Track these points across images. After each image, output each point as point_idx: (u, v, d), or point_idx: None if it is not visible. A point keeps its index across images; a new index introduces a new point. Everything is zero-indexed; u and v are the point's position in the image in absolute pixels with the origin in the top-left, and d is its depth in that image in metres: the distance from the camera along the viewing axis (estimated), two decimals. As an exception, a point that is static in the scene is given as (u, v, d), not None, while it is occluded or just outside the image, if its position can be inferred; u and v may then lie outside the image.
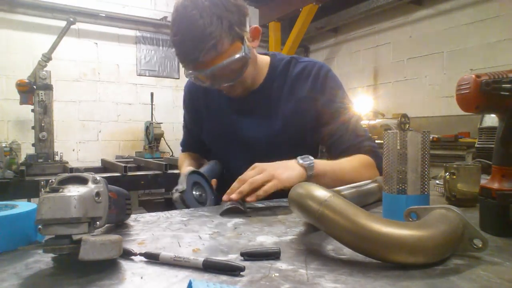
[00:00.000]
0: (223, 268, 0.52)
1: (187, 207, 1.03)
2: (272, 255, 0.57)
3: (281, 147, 1.25)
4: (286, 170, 0.98)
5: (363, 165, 1.16)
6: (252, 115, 1.27)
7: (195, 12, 1.00)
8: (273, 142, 1.25)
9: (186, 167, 1.29)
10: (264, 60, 1.29)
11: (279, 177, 0.95)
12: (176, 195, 1.05)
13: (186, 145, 1.56)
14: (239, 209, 0.91)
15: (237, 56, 1.06)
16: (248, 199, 0.92)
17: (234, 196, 0.91)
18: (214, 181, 1.19)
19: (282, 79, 1.27)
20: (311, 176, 1.01)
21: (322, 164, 1.05)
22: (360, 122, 1.30)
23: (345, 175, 1.08)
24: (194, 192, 1.09)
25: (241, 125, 1.29)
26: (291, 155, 1.05)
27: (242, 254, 0.58)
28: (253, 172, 0.97)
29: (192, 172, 1.12)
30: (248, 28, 1.11)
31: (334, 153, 1.25)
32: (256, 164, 1.00)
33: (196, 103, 1.40)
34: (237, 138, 1.30)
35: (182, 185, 1.05)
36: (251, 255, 0.57)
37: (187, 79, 1.21)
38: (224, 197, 0.95)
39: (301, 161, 1.01)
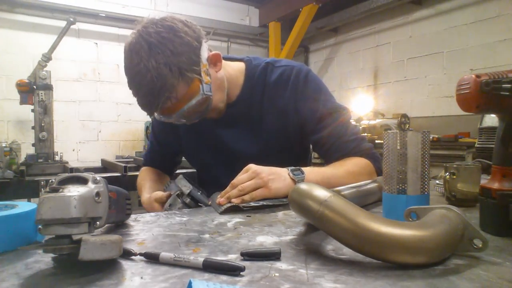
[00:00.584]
0: (223, 268, 0.52)
1: (196, 204, 1.03)
2: (273, 255, 0.57)
3: (268, 158, 1.21)
4: (278, 179, 0.97)
5: (359, 169, 1.12)
6: (235, 128, 1.24)
7: (141, 66, 0.95)
8: (259, 154, 1.22)
9: (149, 186, 1.27)
10: (237, 68, 1.23)
11: (269, 187, 0.94)
12: (180, 200, 1.04)
13: (150, 160, 1.50)
14: (238, 208, 0.93)
15: (195, 99, 1.02)
16: (234, 200, 0.93)
17: (222, 200, 0.93)
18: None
19: (260, 88, 1.21)
20: None
21: (313, 175, 1.02)
22: (350, 122, 1.24)
23: (340, 183, 1.02)
24: (198, 192, 1.08)
25: (225, 139, 1.25)
26: (280, 164, 1.03)
27: (242, 254, 0.58)
28: (246, 177, 0.96)
29: (182, 177, 1.10)
30: (205, 59, 1.05)
31: (331, 159, 1.21)
32: (251, 166, 0.98)
33: (170, 124, 1.29)
34: (222, 152, 1.27)
35: (184, 186, 1.05)
36: (251, 255, 0.57)
37: None
38: (217, 201, 0.96)
39: (292, 175, 0.99)
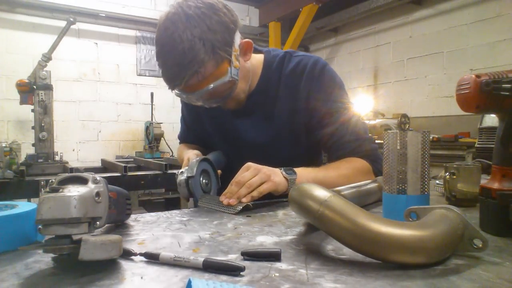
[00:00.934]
0: (223, 268, 0.52)
1: (190, 193, 1.03)
2: (273, 255, 0.57)
3: (281, 148, 1.23)
4: (277, 175, 0.98)
5: (353, 172, 1.11)
6: (250, 117, 1.25)
7: (176, 36, 0.95)
8: (272, 143, 1.24)
9: (190, 152, 1.25)
10: (258, 59, 1.25)
11: (273, 180, 0.96)
12: (181, 178, 1.03)
13: (185, 138, 1.52)
14: (248, 206, 0.93)
15: (222, 81, 1.02)
16: (243, 200, 0.93)
17: (232, 201, 0.93)
18: (219, 172, 1.18)
19: (277, 76, 1.22)
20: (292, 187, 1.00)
21: (304, 177, 1.02)
22: (359, 122, 1.23)
23: (331, 184, 0.99)
24: (201, 180, 1.07)
25: (240, 128, 1.27)
26: (292, 155, 1.03)
27: (242, 254, 0.58)
28: (249, 174, 0.96)
29: (203, 160, 1.10)
30: (237, 44, 1.06)
31: (332, 157, 1.22)
32: (250, 164, 0.99)
33: (196, 107, 1.33)
34: (238, 141, 1.29)
35: (191, 170, 1.03)
36: (252, 255, 0.57)
37: None
38: (222, 199, 0.96)
39: (284, 174, 0.99)
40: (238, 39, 1.07)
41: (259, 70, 1.23)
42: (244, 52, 1.11)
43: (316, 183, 0.98)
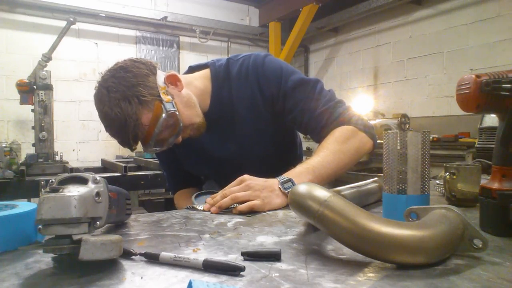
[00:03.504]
0: (223, 268, 0.52)
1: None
2: (273, 256, 0.57)
3: (251, 154, 1.23)
4: (271, 195, 0.96)
5: (341, 141, 1.11)
6: (214, 133, 1.25)
7: (106, 110, 1.03)
8: (241, 152, 1.24)
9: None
10: (204, 76, 1.26)
11: (263, 200, 0.93)
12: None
13: (175, 185, 1.51)
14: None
15: (162, 119, 1.05)
16: (233, 211, 0.92)
17: (213, 209, 0.93)
18: None
19: (227, 86, 1.24)
20: None
21: (304, 177, 1.01)
22: (320, 92, 1.21)
23: (332, 165, 1.06)
24: None
25: (206, 145, 1.28)
26: (266, 155, 1.02)
27: (242, 254, 0.58)
28: (238, 188, 0.96)
29: (198, 194, 1.10)
30: (161, 82, 1.10)
31: (313, 134, 1.21)
32: (245, 177, 0.98)
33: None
34: (208, 158, 1.30)
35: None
36: (252, 255, 0.57)
37: None
38: (205, 207, 0.95)
39: (283, 188, 0.97)
40: (161, 77, 1.11)
41: (209, 87, 1.25)
42: (173, 83, 1.13)
43: (317, 176, 1.02)
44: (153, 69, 1.10)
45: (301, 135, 1.47)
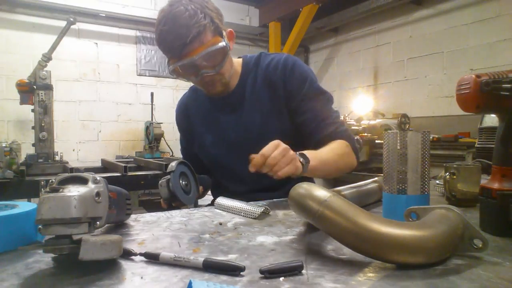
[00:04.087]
0: (223, 268, 0.52)
1: (170, 193, 1.06)
2: (295, 269, 0.52)
3: (261, 146, 1.25)
4: (297, 159, 1.02)
5: (342, 151, 1.24)
6: (234, 113, 1.34)
7: (181, 8, 1.12)
8: (257, 137, 1.27)
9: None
10: (237, 62, 1.38)
11: (295, 164, 1.00)
12: (162, 180, 1.09)
13: (185, 158, 1.56)
14: (266, 210, 0.92)
15: (219, 45, 1.15)
16: (275, 176, 0.97)
17: (262, 169, 0.96)
18: (200, 188, 1.25)
19: (254, 72, 1.35)
20: (302, 173, 1.05)
21: (313, 160, 1.08)
22: (332, 107, 1.35)
23: (332, 164, 1.18)
24: (180, 181, 1.11)
25: (225, 125, 1.35)
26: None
27: (262, 272, 0.51)
28: (277, 153, 0.98)
29: (181, 163, 1.15)
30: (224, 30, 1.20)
31: (313, 139, 1.28)
32: (279, 142, 1.01)
33: (187, 120, 1.48)
34: (223, 138, 1.36)
35: (171, 170, 1.09)
36: (273, 272, 0.51)
37: (177, 101, 1.44)
38: (250, 168, 0.97)
39: (301, 159, 1.04)
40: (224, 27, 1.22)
41: (239, 70, 1.36)
42: (230, 38, 1.24)
43: (323, 165, 1.12)
44: (221, 17, 1.23)
45: None
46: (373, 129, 4.09)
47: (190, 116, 1.47)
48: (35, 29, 4.50)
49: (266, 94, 1.31)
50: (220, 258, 0.57)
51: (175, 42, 1.14)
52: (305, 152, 1.08)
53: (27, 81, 3.47)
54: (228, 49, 1.20)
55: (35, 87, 3.47)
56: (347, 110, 5.00)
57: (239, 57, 1.42)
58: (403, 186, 0.72)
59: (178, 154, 3.13)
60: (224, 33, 1.20)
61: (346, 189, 0.89)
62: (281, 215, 0.89)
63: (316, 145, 1.24)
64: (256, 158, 0.97)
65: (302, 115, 1.29)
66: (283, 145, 1.01)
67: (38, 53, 3.77)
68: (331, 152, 1.20)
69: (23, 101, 3.51)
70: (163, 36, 1.15)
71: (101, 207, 0.57)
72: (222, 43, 1.16)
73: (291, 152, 1.01)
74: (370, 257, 0.55)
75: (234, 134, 1.34)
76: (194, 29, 1.11)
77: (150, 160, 3.64)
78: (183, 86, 5.01)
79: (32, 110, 3.55)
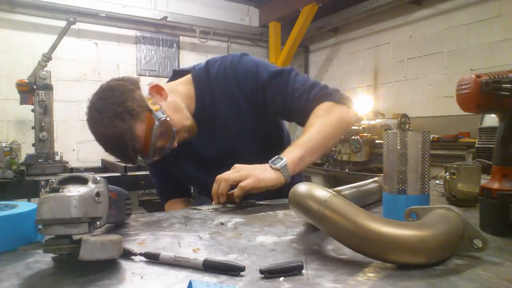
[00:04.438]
0: (223, 268, 0.52)
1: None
2: (295, 269, 0.52)
3: (241, 151, 1.26)
4: (263, 171, 1.01)
5: (326, 113, 1.15)
6: (202, 131, 1.27)
7: (101, 129, 1.08)
8: (230, 151, 1.26)
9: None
10: (187, 82, 1.30)
11: (256, 176, 0.98)
12: None
13: (166, 194, 1.54)
14: (238, 204, 0.97)
15: (156, 129, 1.09)
16: (231, 198, 0.98)
17: (221, 199, 1.00)
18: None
19: (207, 86, 1.28)
20: (290, 175, 1.02)
21: (294, 153, 1.06)
22: (295, 78, 1.24)
23: (320, 140, 1.11)
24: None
25: (196, 147, 1.31)
26: (257, 153, 1.10)
27: (262, 272, 0.51)
28: (230, 171, 1.01)
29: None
30: (147, 93, 1.14)
31: (297, 119, 1.24)
32: (236, 165, 1.04)
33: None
34: (196, 159, 1.33)
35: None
36: (273, 272, 0.51)
37: None
38: (214, 202, 1.02)
39: (273, 165, 1.02)
40: (145, 89, 1.15)
41: (192, 91, 1.29)
42: (158, 93, 1.17)
43: (308, 150, 1.08)
44: (136, 83, 1.14)
45: (287, 127, 1.48)
46: (373, 129, 4.09)
47: None
48: (35, 29, 4.50)
49: (226, 105, 1.25)
50: (220, 258, 0.57)
51: (128, 161, 1.16)
52: (288, 149, 1.08)
53: (27, 81, 3.48)
54: (165, 117, 1.11)
55: (35, 87, 3.47)
56: (347, 110, 4.99)
57: (187, 71, 1.33)
58: (403, 186, 0.72)
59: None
60: (149, 102, 1.11)
61: (346, 189, 0.89)
62: (281, 215, 0.89)
63: (303, 124, 1.19)
64: (213, 189, 1.01)
65: (272, 104, 1.23)
66: (239, 166, 1.02)
67: (38, 53, 3.77)
68: (314, 127, 1.13)
69: (23, 101, 3.51)
70: (113, 156, 1.16)
71: (101, 207, 0.57)
72: (156, 124, 1.09)
73: (249, 167, 1.01)
74: (370, 257, 0.55)
75: (206, 152, 1.31)
76: (127, 143, 1.06)
77: (150, 160, 3.63)
78: (183, 86, 5.00)
79: (32, 110, 3.55)
